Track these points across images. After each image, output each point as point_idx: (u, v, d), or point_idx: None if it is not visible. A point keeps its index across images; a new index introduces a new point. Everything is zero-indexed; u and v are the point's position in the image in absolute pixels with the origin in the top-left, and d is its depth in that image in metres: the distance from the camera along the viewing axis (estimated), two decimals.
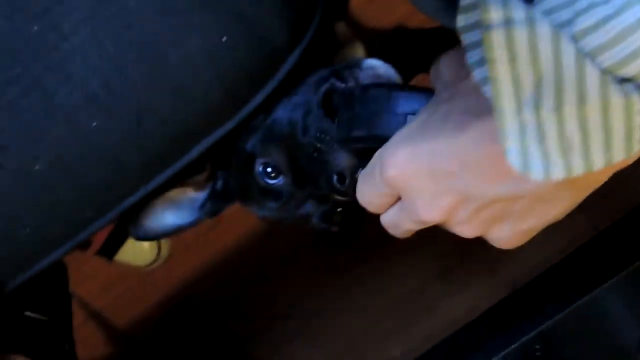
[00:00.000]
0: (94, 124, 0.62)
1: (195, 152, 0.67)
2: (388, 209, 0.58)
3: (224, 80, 0.62)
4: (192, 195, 0.78)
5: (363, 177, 0.59)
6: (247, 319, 1.62)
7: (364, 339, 1.62)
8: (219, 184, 0.77)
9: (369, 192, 0.58)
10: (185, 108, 0.63)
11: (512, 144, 0.42)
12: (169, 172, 0.67)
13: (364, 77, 0.63)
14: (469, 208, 0.52)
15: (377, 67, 0.64)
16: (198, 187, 0.78)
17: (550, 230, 1.37)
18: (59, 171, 0.63)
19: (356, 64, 0.64)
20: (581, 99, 0.39)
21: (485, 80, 0.43)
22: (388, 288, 1.60)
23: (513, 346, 1.20)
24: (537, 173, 0.42)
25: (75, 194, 0.65)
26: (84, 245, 1.43)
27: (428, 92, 0.57)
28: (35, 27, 0.58)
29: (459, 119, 0.50)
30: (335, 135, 0.63)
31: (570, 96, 0.39)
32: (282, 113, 0.68)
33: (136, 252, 1.47)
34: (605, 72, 0.39)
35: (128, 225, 0.79)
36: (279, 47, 0.63)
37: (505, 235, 0.54)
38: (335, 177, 0.64)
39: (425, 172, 0.52)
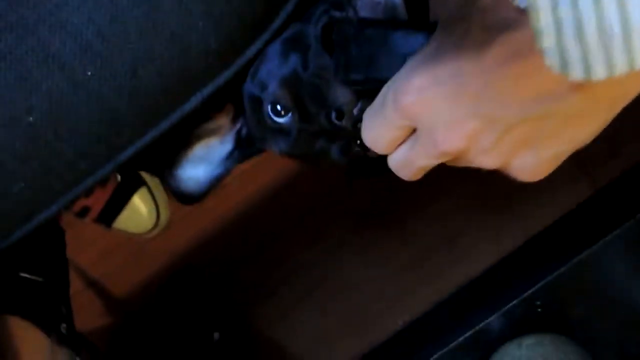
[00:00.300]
0: (89, 73, 0.61)
1: (193, 103, 0.66)
2: (398, 146, 0.55)
3: (220, 28, 0.61)
4: (219, 146, 0.78)
5: (371, 112, 0.55)
6: (248, 287, 1.62)
7: (368, 306, 1.62)
8: (244, 130, 0.76)
9: (379, 127, 0.54)
10: (181, 57, 0.62)
11: (549, 42, 0.39)
12: (165, 125, 0.66)
13: (362, 5, 0.61)
14: (493, 133, 0.49)
15: None
16: (223, 131, 0.78)
17: (553, 192, 1.37)
18: (53, 122, 0.63)
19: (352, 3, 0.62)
20: None
21: None
22: (392, 256, 1.60)
23: (514, 302, 1.20)
24: (577, 72, 0.39)
25: (69, 146, 0.65)
26: (83, 212, 1.43)
27: (428, 28, 0.55)
28: None
29: (480, 37, 0.47)
30: (333, 76, 0.61)
31: None
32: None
33: (135, 219, 1.47)
34: None
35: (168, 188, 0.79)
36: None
37: (530, 163, 0.51)
38: (333, 114, 0.62)
39: (446, 96, 0.48)
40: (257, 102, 0.69)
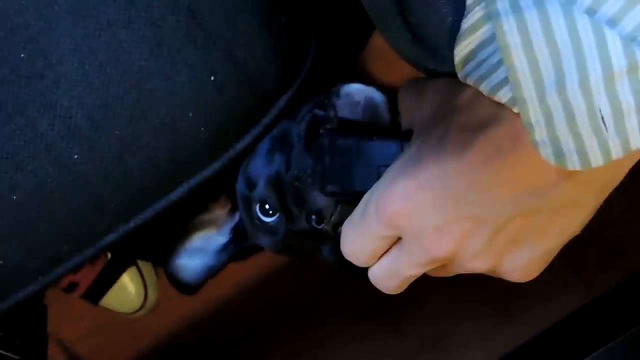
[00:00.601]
0: (75, 156, 0.60)
1: (178, 193, 0.66)
2: (380, 257, 0.53)
3: (211, 120, 0.61)
4: (216, 237, 0.77)
5: (351, 224, 0.54)
6: None
7: None
8: (240, 225, 0.76)
9: (361, 240, 0.52)
10: (169, 146, 0.61)
11: (541, 135, 0.39)
12: (149, 213, 0.66)
13: (343, 105, 0.61)
14: (483, 234, 0.48)
15: (353, 93, 0.61)
16: (220, 223, 0.79)
17: (547, 298, 1.36)
18: (36, 202, 0.62)
19: (335, 92, 0.61)
20: (606, 67, 0.36)
21: (498, 85, 0.42)
22: (382, 351, 1.58)
23: None
24: (573, 162, 0.39)
25: (52, 227, 0.64)
26: (70, 288, 1.42)
27: (401, 136, 0.55)
28: (23, 54, 0.57)
29: (459, 137, 0.46)
30: (311, 185, 0.61)
31: (594, 66, 0.36)
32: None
33: (122, 298, 1.46)
34: (627, 38, 0.36)
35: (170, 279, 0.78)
36: (268, 90, 0.62)
37: (522, 262, 0.50)
38: (313, 217, 0.62)
39: (431, 201, 0.47)
40: (247, 201, 0.70)
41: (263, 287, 1.54)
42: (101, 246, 0.67)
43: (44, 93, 0.58)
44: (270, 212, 0.67)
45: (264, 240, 0.72)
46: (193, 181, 0.65)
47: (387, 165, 0.52)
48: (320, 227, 0.62)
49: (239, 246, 0.77)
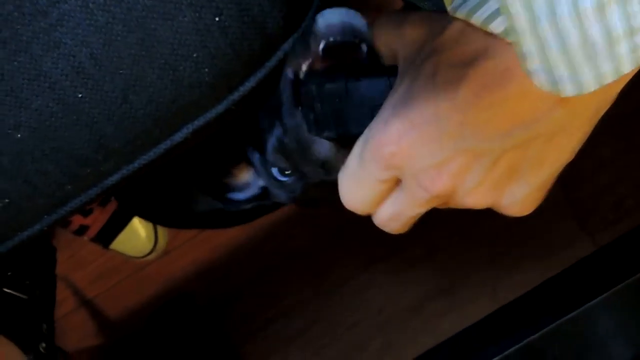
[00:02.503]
0: (79, 95, 0.61)
1: (183, 134, 0.66)
2: (382, 202, 0.54)
3: (214, 61, 0.61)
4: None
5: (348, 173, 0.54)
6: (242, 320, 1.61)
7: (362, 349, 1.61)
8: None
9: (361, 187, 0.53)
10: (173, 86, 0.61)
11: (535, 63, 0.40)
12: (152, 154, 0.66)
13: (324, 37, 0.59)
14: (480, 167, 0.48)
15: (330, 21, 0.58)
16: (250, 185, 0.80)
17: (553, 249, 1.36)
18: (40, 140, 0.62)
19: (310, 30, 0.59)
20: None
21: (491, 16, 0.42)
22: (389, 301, 1.59)
23: (510, 350, 1.19)
24: (568, 88, 0.40)
25: (56, 167, 0.64)
26: (81, 230, 1.43)
27: (388, 73, 0.54)
28: None
29: (450, 74, 0.46)
30: (307, 134, 0.60)
31: None
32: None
33: (132, 242, 1.47)
34: None
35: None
36: (273, 33, 0.62)
37: (520, 194, 0.50)
38: (321, 171, 0.62)
39: (426, 140, 0.48)
40: (264, 164, 0.70)
41: (272, 234, 1.55)
42: (106, 186, 0.67)
43: (48, 31, 0.58)
44: (286, 172, 0.68)
45: (283, 196, 0.73)
46: (197, 123, 0.65)
47: (379, 104, 0.52)
48: (331, 177, 0.60)
49: (261, 202, 0.78)
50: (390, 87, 0.53)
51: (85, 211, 1.38)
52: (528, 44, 0.40)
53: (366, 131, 0.52)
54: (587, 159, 1.50)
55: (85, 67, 0.59)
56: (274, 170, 0.69)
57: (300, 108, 0.60)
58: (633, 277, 1.10)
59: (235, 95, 0.64)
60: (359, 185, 0.53)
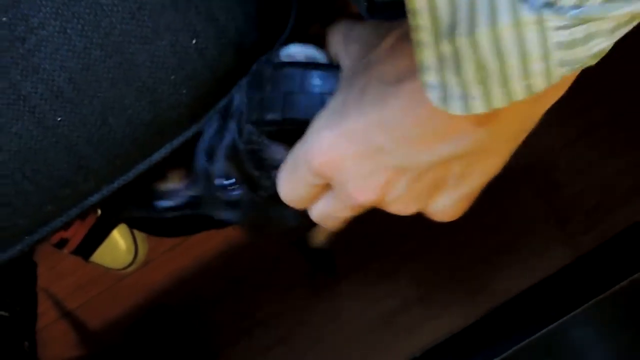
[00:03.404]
0: (59, 118, 0.61)
1: (161, 153, 0.66)
2: (316, 200, 0.57)
3: (192, 83, 0.62)
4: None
5: (286, 171, 0.57)
6: (222, 329, 1.61)
7: (340, 357, 1.61)
8: (196, 198, 0.75)
9: (294, 186, 0.56)
10: (151, 109, 0.62)
11: (431, 78, 0.40)
12: (131, 174, 0.67)
13: None
14: (404, 181, 0.50)
15: (293, 54, 0.60)
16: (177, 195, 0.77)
17: (533, 257, 1.37)
18: (20, 163, 0.63)
19: (274, 55, 0.60)
20: (493, 19, 0.37)
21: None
22: (369, 307, 1.60)
23: None
24: (456, 107, 0.40)
25: (36, 188, 0.65)
26: (61, 244, 1.43)
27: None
28: (4, 18, 0.58)
29: (377, 90, 0.48)
30: (246, 118, 0.60)
31: (482, 18, 0.37)
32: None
33: (113, 254, 1.47)
34: None
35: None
36: (249, 52, 0.62)
37: (446, 204, 0.53)
38: (274, 173, 0.61)
39: (355, 153, 0.50)
40: (208, 175, 0.68)
41: (250, 244, 1.55)
42: (86, 206, 0.68)
43: (26, 56, 0.59)
44: (234, 185, 0.66)
45: (227, 214, 0.70)
46: (175, 142, 0.66)
47: (331, 93, 0.53)
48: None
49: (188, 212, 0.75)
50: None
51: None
52: (429, 58, 0.40)
53: (306, 134, 0.54)
54: (566, 166, 1.52)
55: (64, 91, 0.60)
56: (221, 182, 0.67)
57: (248, 92, 0.60)
58: (611, 289, 1.11)
59: (211, 113, 0.65)
60: (293, 184, 0.56)
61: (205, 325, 1.60)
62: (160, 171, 0.73)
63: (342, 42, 0.55)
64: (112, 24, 0.58)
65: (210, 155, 0.67)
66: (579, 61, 0.37)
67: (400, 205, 0.53)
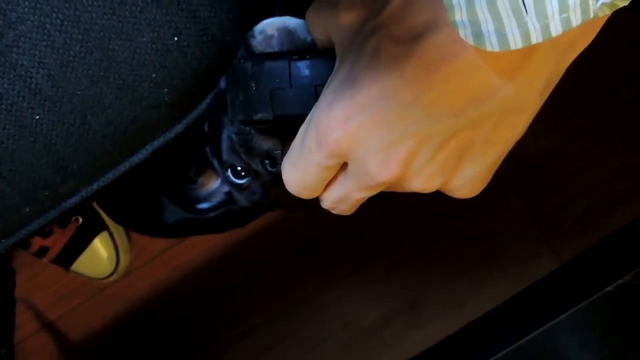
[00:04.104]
0: (37, 116, 0.60)
1: (142, 155, 0.65)
2: (328, 186, 0.51)
3: (174, 82, 0.61)
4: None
5: (291, 159, 0.51)
6: (207, 338, 1.60)
7: None
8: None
9: (305, 173, 0.50)
10: (132, 108, 0.61)
11: (461, 15, 0.38)
12: (111, 175, 0.65)
13: (258, 44, 0.55)
14: (429, 150, 0.46)
15: (265, 28, 0.55)
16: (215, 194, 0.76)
17: (519, 264, 1.36)
18: None
19: (248, 34, 0.56)
20: None
21: None
22: (354, 318, 1.59)
23: None
24: (492, 43, 0.38)
25: (13, 190, 0.63)
26: (41, 252, 1.41)
27: (333, 53, 0.50)
28: None
29: (395, 51, 0.44)
30: (231, 118, 0.56)
31: None
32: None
33: (94, 263, 1.45)
34: None
35: None
36: (232, 51, 0.61)
37: (469, 176, 0.48)
38: (267, 162, 0.58)
39: (373, 122, 0.45)
40: (221, 168, 0.66)
41: (236, 252, 1.54)
42: (65, 208, 0.67)
43: (4, 52, 0.57)
44: (242, 173, 0.63)
45: (245, 201, 0.68)
46: (156, 143, 0.64)
47: (323, 83, 0.49)
48: (274, 169, 0.57)
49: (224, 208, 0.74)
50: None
51: (45, 232, 1.37)
52: None
53: (309, 116, 0.49)
54: (553, 172, 1.52)
55: (42, 88, 0.59)
56: (229, 173, 0.64)
57: (229, 90, 0.55)
58: (595, 295, 1.11)
59: (194, 114, 0.64)
60: (302, 172, 0.50)
61: (190, 335, 1.58)
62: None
63: (332, 14, 0.50)
64: (92, 19, 0.57)
65: (218, 153, 0.65)
66: None
67: (423, 180, 0.48)
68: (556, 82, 0.45)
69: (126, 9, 0.57)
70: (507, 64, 0.41)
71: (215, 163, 0.67)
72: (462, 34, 0.39)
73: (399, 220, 1.45)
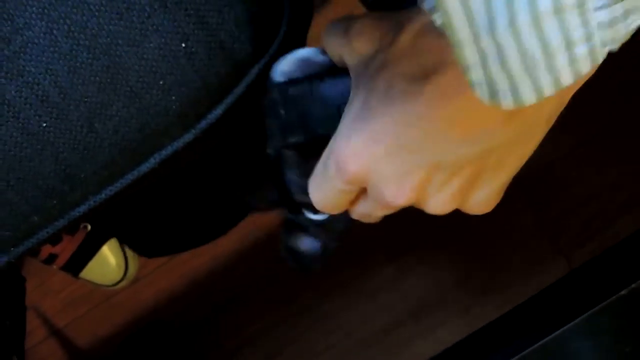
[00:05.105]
0: (44, 124, 0.59)
1: (150, 164, 0.64)
2: (352, 205, 0.56)
3: (182, 89, 0.60)
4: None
5: (316, 181, 0.55)
6: (212, 346, 1.59)
7: None
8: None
9: (327, 195, 0.55)
10: (139, 115, 0.60)
11: (476, 75, 0.39)
12: (119, 184, 0.65)
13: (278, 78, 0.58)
14: (441, 178, 0.49)
15: (285, 67, 0.58)
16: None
17: (528, 270, 1.36)
18: (4, 171, 0.61)
19: (272, 79, 0.58)
20: (532, 5, 0.36)
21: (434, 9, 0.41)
22: (358, 326, 1.58)
23: None
24: (507, 101, 0.39)
25: (21, 198, 0.63)
26: (50, 259, 1.41)
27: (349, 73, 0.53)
28: None
29: (405, 87, 0.46)
30: (271, 147, 0.59)
31: (521, 5, 0.36)
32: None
33: (102, 270, 1.45)
34: None
35: None
36: (240, 59, 0.61)
37: (482, 198, 0.51)
38: (305, 212, 0.62)
39: (386, 154, 0.48)
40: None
41: (240, 260, 1.53)
42: (73, 217, 0.66)
43: (11, 58, 0.57)
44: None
45: (332, 240, 0.70)
46: (165, 152, 0.64)
47: (345, 102, 0.52)
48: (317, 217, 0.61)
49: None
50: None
51: (54, 240, 1.36)
52: (471, 56, 0.39)
53: (330, 143, 0.52)
54: (560, 178, 1.51)
55: (50, 95, 0.58)
56: (306, 212, 0.66)
57: (266, 122, 0.58)
58: (609, 300, 1.10)
59: (203, 124, 0.63)
60: (325, 193, 0.55)
61: (196, 342, 1.58)
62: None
63: (344, 40, 0.53)
64: (99, 24, 0.56)
65: (287, 203, 0.66)
66: (618, 39, 0.37)
67: (438, 204, 0.51)
68: (559, 111, 0.47)
69: (134, 14, 0.57)
70: None
71: (295, 218, 0.68)
72: (478, 93, 0.40)
73: (404, 227, 1.44)
